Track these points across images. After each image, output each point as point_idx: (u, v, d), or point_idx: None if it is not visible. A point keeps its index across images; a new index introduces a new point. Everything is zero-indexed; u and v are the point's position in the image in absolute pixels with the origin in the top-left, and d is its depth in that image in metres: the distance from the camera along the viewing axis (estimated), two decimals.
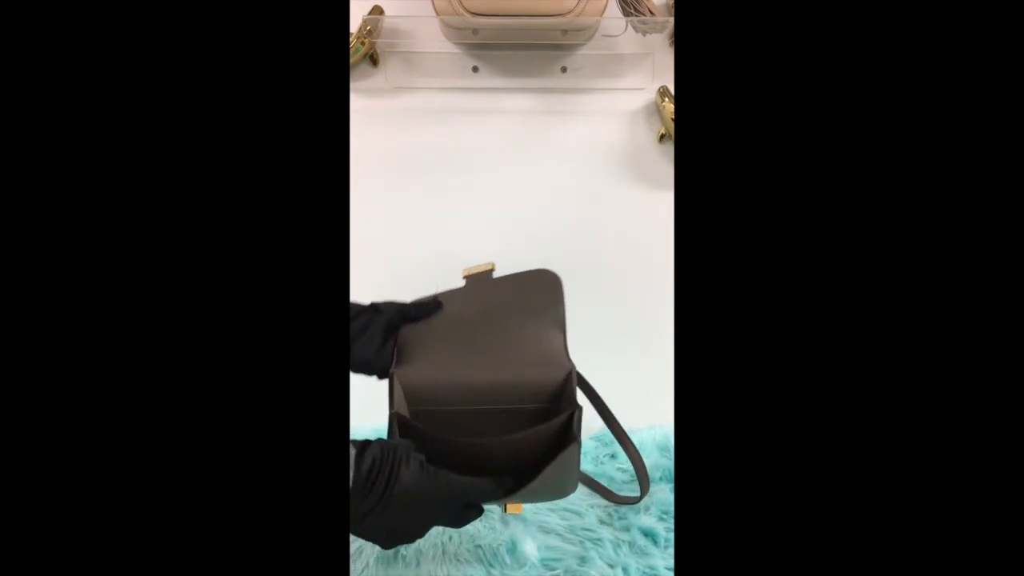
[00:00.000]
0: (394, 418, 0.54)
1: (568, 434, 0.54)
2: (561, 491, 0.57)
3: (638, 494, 0.70)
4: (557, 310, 0.66)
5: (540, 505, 0.72)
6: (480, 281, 0.68)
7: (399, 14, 0.94)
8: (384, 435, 0.52)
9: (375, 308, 0.62)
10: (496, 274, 0.70)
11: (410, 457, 0.48)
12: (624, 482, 0.78)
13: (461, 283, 0.69)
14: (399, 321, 0.63)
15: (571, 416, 0.55)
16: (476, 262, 0.70)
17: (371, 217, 0.88)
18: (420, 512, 0.49)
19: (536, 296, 0.66)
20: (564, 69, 0.96)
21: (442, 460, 0.50)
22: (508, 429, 0.56)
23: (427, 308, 0.64)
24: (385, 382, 0.58)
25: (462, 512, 0.52)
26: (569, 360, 0.60)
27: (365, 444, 0.47)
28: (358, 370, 0.61)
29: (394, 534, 0.49)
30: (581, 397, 0.61)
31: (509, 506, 0.56)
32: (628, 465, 0.82)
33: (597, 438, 0.90)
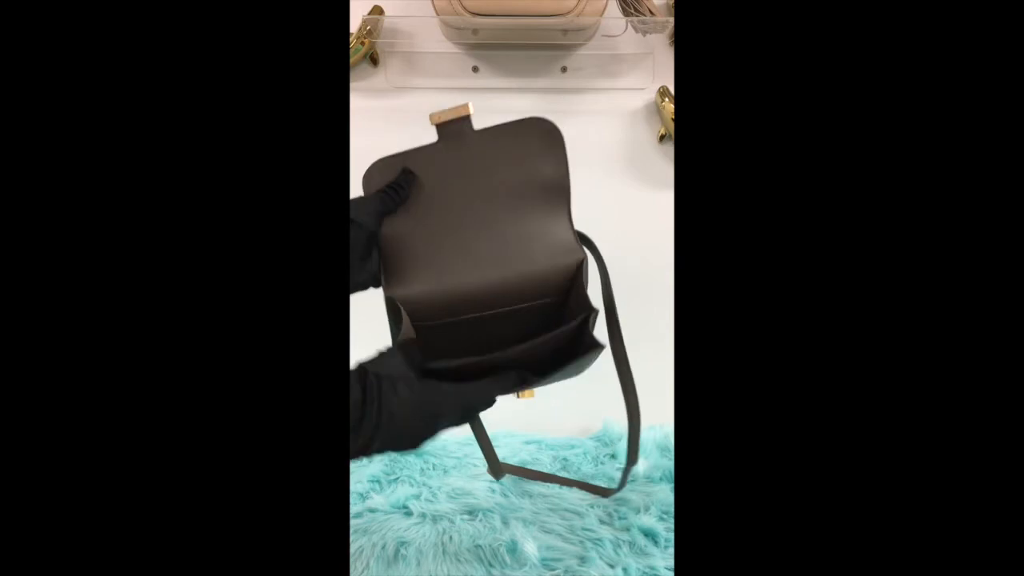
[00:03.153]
0: (399, 349, 0.49)
1: (584, 337, 0.49)
2: (576, 375, 0.52)
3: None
4: (558, 173, 0.55)
5: (540, 505, 0.72)
6: (458, 133, 0.56)
7: (399, 14, 0.94)
8: None
9: (350, 221, 0.54)
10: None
11: (396, 385, 0.46)
12: None
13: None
14: (379, 224, 0.55)
15: (586, 320, 0.50)
16: None
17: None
18: (420, 422, 0.46)
19: (532, 157, 0.55)
20: (564, 69, 0.96)
21: (452, 379, 0.46)
22: (518, 330, 0.51)
23: (402, 191, 0.55)
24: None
25: (466, 412, 0.49)
26: (579, 243, 0.55)
27: (360, 372, 0.46)
28: (351, 291, 0.56)
29: (398, 442, 0.47)
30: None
31: (522, 393, 0.52)
32: None
33: (597, 438, 0.91)
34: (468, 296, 0.53)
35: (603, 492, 0.70)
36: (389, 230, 0.55)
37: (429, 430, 0.48)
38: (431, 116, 0.56)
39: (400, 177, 0.56)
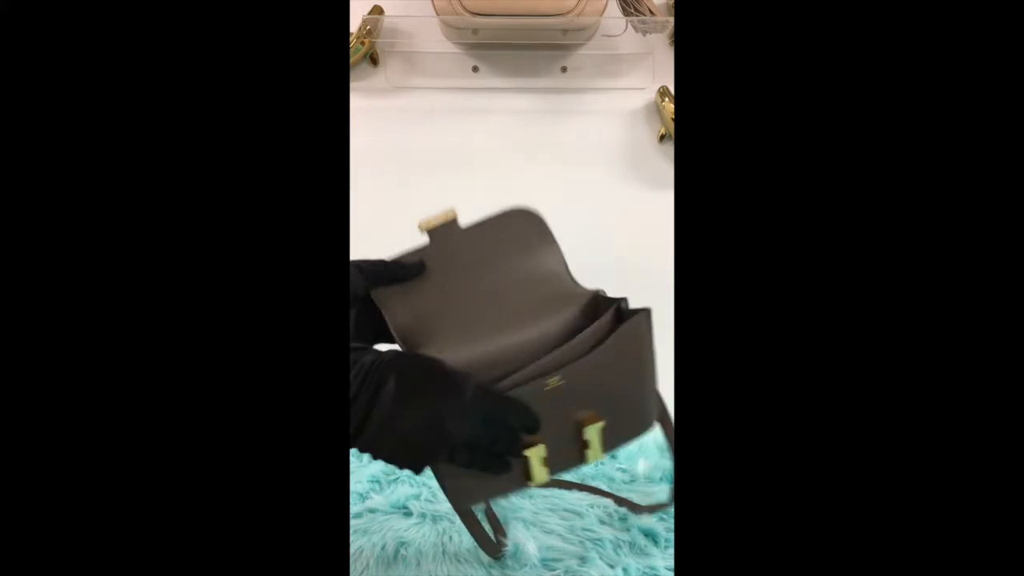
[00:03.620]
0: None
1: (621, 316, 0.50)
2: (637, 410, 0.53)
3: (649, 499, 0.70)
4: (549, 248, 0.59)
5: (540, 505, 0.72)
6: (447, 234, 0.59)
7: (399, 14, 0.94)
8: None
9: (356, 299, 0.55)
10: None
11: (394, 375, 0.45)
12: (624, 483, 0.78)
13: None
14: (364, 289, 0.55)
15: (618, 308, 0.51)
16: None
17: (371, 217, 0.88)
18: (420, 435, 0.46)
19: (524, 236, 0.59)
20: (564, 69, 0.97)
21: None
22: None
23: (411, 270, 0.57)
24: None
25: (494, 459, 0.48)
26: (578, 284, 0.57)
27: (361, 351, 0.45)
28: None
29: (397, 450, 0.46)
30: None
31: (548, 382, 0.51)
32: (628, 465, 0.82)
33: None
34: (505, 352, 0.53)
35: (635, 507, 0.71)
36: (404, 314, 0.56)
37: (435, 443, 0.45)
38: (419, 224, 0.59)
39: (414, 261, 0.57)
